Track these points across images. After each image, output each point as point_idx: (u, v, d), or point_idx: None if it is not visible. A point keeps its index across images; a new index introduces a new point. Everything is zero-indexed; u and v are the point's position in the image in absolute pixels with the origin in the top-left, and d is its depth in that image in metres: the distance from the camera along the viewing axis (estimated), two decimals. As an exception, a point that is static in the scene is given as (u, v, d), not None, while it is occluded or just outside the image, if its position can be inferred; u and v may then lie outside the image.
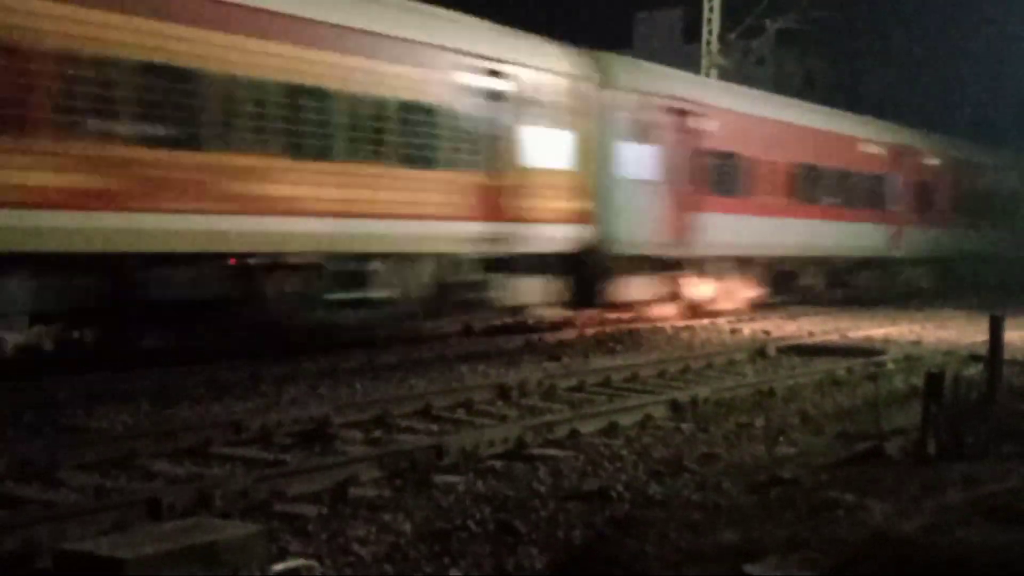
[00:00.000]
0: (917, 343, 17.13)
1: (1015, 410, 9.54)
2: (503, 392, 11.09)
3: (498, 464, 7.93)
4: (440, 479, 7.33)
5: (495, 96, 15.93)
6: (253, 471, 7.44)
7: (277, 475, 7.12)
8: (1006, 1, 40.83)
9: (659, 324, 19.11)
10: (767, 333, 18.49)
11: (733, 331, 18.79)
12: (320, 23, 13.30)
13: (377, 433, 9.18)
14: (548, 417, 9.68)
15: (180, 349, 12.75)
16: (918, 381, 10.33)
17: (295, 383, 11.65)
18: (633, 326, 18.69)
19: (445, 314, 15.95)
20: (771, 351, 15.34)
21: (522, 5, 42.82)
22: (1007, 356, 11.31)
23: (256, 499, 6.67)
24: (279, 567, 5.46)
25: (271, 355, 13.12)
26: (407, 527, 6.24)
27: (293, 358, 13.16)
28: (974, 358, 12.63)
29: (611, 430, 9.31)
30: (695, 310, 20.66)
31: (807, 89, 42.90)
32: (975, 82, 49.98)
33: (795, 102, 26.65)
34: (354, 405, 10.06)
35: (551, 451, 8.42)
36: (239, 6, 12.35)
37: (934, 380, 7.96)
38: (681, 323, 19.47)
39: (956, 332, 18.83)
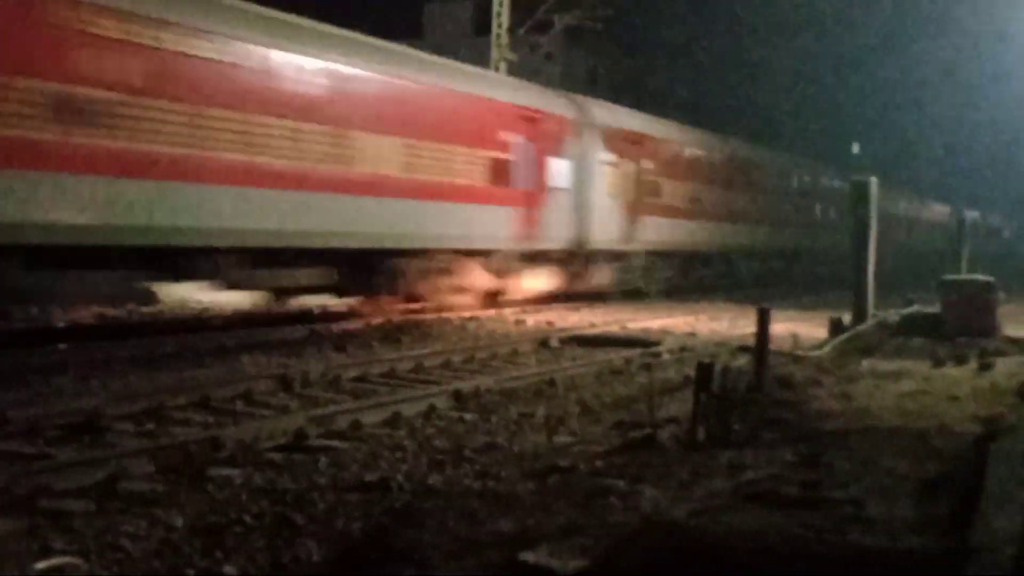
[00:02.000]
0: (692, 335, 17.78)
1: (780, 399, 10.04)
2: (285, 383, 10.91)
3: (277, 456, 7.79)
4: (216, 472, 7.15)
5: (531, 135, 21.53)
6: (16, 465, 7.07)
7: (42, 469, 6.80)
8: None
9: (446, 315, 19.20)
10: (551, 324, 18.85)
11: (518, 322, 19.05)
12: None
13: (151, 425, 8.88)
14: (330, 408, 9.59)
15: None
16: (691, 371, 10.73)
17: (64, 373, 11.15)
18: (420, 317, 18.71)
19: None
20: (554, 342, 15.63)
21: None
22: (774, 347, 11.89)
23: (19, 495, 6.35)
24: (41, 565, 5.22)
25: (40, 343, 12.52)
26: (179, 522, 6.05)
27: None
28: (743, 349, 13.19)
29: (394, 421, 9.28)
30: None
31: (591, 86, 43.90)
32: (758, 85, 52.42)
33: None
34: (127, 396, 9.72)
35: (333, 442, 8.33)
36: None
37: (704, 370, 8.28)
38: (468, 314, 19.60)
39: (728, 324, 19.64)
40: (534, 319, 19.65)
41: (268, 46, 15.39)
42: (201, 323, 15.36)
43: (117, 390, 10.31)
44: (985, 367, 12.56)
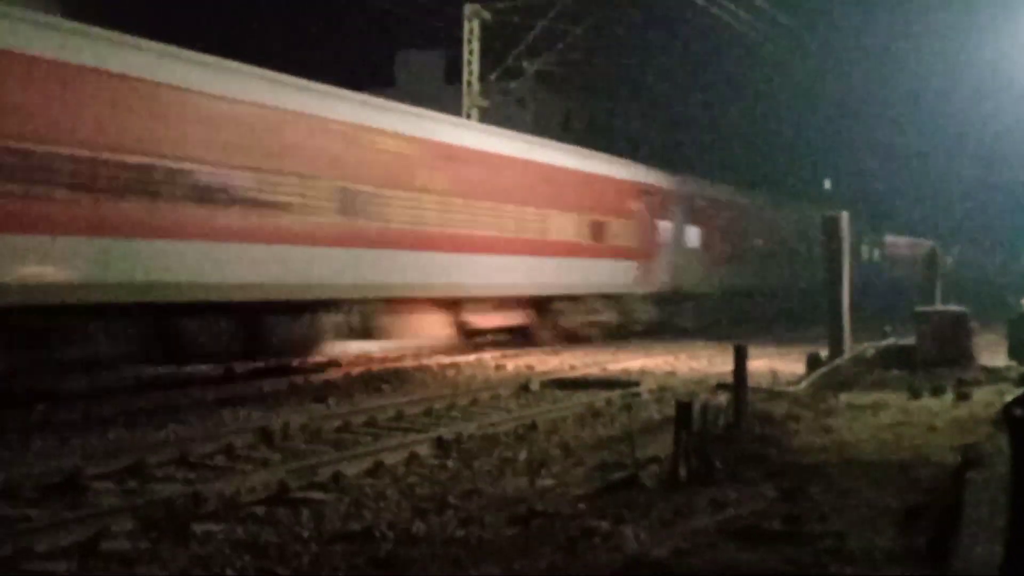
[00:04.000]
0: (671, 374, 17.85)
1: (760, 435, 10.09)
2: (265, 436, 10.89)
3: (260, 510, 7.77)
4: (198, 528, 7.12)
5: (647, 205, 27.79)
6: (-4, 529, 7.04)
7: (23, 531, 6.76)
8: (734, 49, 43.30)
9: (425, 362, 19.21)
10: (531, 368, 18.88)
11: (498, 367, 19.07)
12: None
13: (132, 483, 8.84)
14: (312, 460, 9.57)
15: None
16: (672, 410, 10.77)
17: (43, 433, 11.09)
18: (400, 365, 18.72)
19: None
20: (534, 386, 15.66)
21: (287, 41, 42.52)
22: (752, 383, 11.96)
23: (0, 557, 6.31)
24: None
25: (16, 402, 12.45)
26: (162, 579, 6.04)
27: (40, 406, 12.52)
28: (721, 386, 13.24)
29: (376, 470, 9.28)
30: None
31: (566, 130, 44.18)
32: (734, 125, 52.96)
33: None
34: (107, 455, 9.68)
35: (315, 494, 8.32)
36: None
37: (683, 409, 8.33)
38: (448, 360, 19.62)
39: (707, 362, 19.72)
40: (514, 364, 19.67)
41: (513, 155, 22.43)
42: (179, 381, 15.31)
43: (97, 449, 10.27)
44: (962, 397, 12.65)
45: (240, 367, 16.69)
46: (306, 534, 7.06)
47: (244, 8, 59.11)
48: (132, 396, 13.72)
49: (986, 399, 12.36)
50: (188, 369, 15.71)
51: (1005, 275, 69.11)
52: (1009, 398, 8.22)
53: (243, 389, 15.15)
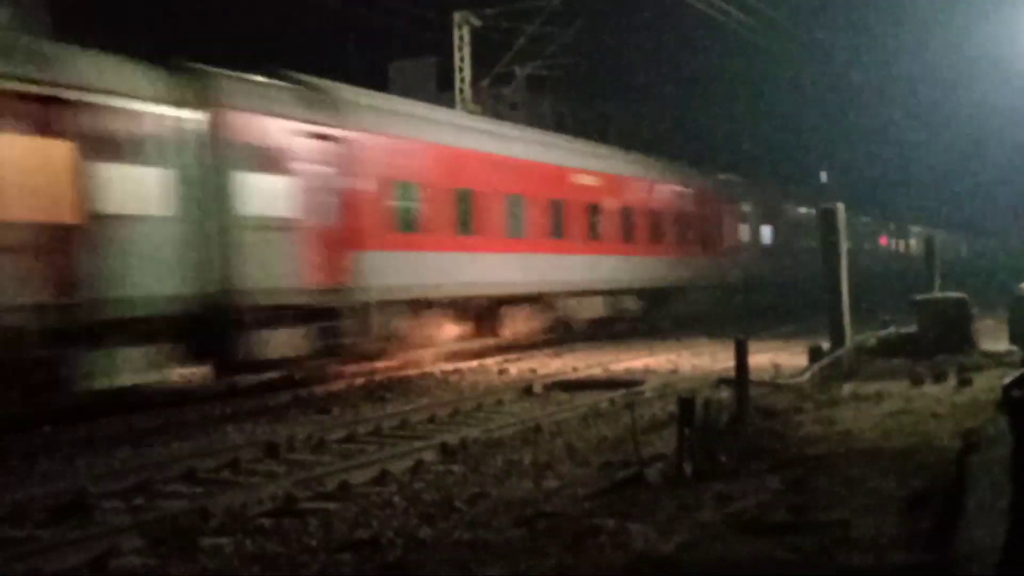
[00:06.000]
0: (674, 371, 17.87)
1: (763, 428, 10.11)
2: (271, 449, 10.92)
3: (267, 522, 7.80)
4: (207, 542, 7.16)
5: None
6: (5, 550, 7.06)
7: (32, 552, 6.79)
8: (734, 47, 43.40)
9: (428, 369, 19.23)
10: (534, 371, 18.89)
11: (501, 372, 19.09)
12: None
13: (139, 500, 8.87)
14: (318, 470, 9.60)
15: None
16: (675, 407, 10.79)
17: (49, 455, 11.11)
18: (403, 373, 18.73)
19: None
20: (538, 388, 15.68)
21: (281, 52, 42.59)
22: (755, 377, 11.98)
23: (10, 580, 6.35)
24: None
25: (21, 425, 12.47)
26: (173, 594, 6.06)
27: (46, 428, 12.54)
28: (724, 381, 13.26)
29: (382, 478, 9.31)
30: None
31: (559, 130, 44.25)
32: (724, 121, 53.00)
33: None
34: (114, 474, 9.71)
35: (322, 504, 8.36)
36: None
37: (685, 405, 8.35)
38: (451, 367, 19.64)
39: (710, 359, 19.73)
40: (517, 367, 19.69)
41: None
42: (184, 396, 15.33)
43: (103, 468, 10.29)
44: (964, 382, 12.68)
45: (243, 381, 16.71)
46: (314, 544, 7.09)
47: (241, 19, 59.21)
48: (136, 414, 13.73)
49: (988, 384, 12.37)
50: (192, 384, 15.72)
51: (1010, 260, 69.25)
52: (1008, 381, 8.23)
53: (247, 403, 15.16)
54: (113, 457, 11.06)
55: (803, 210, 39.83)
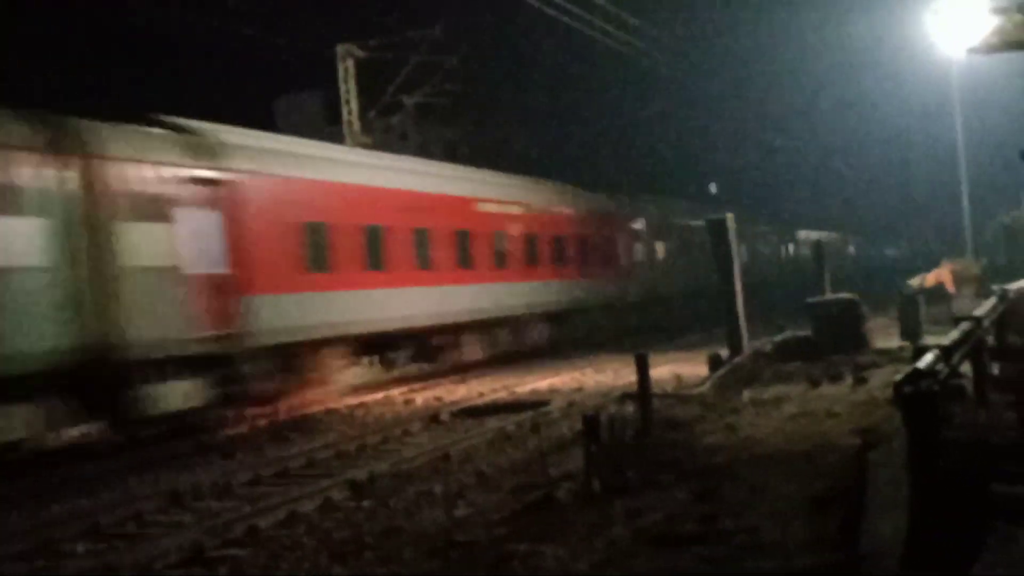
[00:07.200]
0: (579, 389, 17.97)
1: (668, 440, 10.23)
2: (175, 498, 10.69)
3: (176, 574, 7.64)
4: (113, 599, 6.98)
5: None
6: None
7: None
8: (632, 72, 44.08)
9: (332, 405, 19.02)
10: (439, 399, 18.81)
11: (407, 401, 18.97)
12: None
13: (40, 563, 8.60)
14: (224, 517, 9.43)
15: None
16: (581, 426, 10.85)
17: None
18: (307, 411, 18.50)
19: None
20: (445, 416, 15.63)
21: (163, 88, 42.00)
22: (657, 390, 12.12)
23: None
24: None
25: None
26: (80, 657, 5.89)
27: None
28: (628, 396, 13.37)
29: (291, 520, 9.18)
30: None
31: (452, 158, 44.38)
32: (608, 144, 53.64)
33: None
34: (13, 535, 9.40)
35: (231, 551, 8.21)
36: None
37: (590, 422, 8.42)
38: (355, 401, 19.47)
39: (613, 375, 19.87)
40: (422, 396, 19.59)
41: None
42: (83, 451, 14.93)
43: (0, 532, 9.96)
44: (860, 381, 12.99)
45: (143, 432, 16.34)
46: (225, 593, 6.96)
47: (118, 53, 58.09)
48: (35, 472, 13.33)
49: (882, 381, 12.69)
50: (91, 438, 15.34)
51: (899, 261, 71.22)
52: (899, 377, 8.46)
53: (149, 453, 14.81)
54: (11, 519, 10.72)
55: (698, 223, 40.40)
